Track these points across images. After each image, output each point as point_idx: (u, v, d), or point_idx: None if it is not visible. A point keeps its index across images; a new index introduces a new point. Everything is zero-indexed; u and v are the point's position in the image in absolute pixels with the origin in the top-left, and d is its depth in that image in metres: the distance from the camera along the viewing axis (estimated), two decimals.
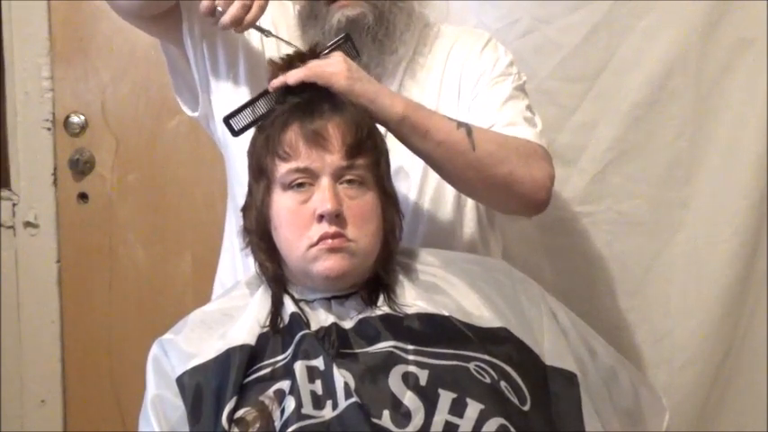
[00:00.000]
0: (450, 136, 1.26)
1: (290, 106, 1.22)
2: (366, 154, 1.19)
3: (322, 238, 1.15)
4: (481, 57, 1.45)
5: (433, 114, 1.29)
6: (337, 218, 1.15)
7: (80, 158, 2.18)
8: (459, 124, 1.28)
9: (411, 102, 1.28)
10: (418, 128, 1.25)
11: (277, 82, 1.24)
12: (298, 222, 1.17)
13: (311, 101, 1.21)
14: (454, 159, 1.27)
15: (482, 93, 1.42)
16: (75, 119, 2.18)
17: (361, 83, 1.23)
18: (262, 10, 1.27)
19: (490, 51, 1.46)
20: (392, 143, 1.28)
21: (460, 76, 1.44)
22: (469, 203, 1.45)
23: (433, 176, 1.38)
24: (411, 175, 1.41)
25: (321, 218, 1.15)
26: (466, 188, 1.36)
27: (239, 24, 1.26)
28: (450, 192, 1.43)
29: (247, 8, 1.25)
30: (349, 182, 1.18)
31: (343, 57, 1.25)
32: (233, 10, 1.25)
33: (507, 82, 1.43)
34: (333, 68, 1.22)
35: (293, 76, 1.22)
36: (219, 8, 1.26)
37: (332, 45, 1.29)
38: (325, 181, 1.16)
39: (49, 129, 2.17)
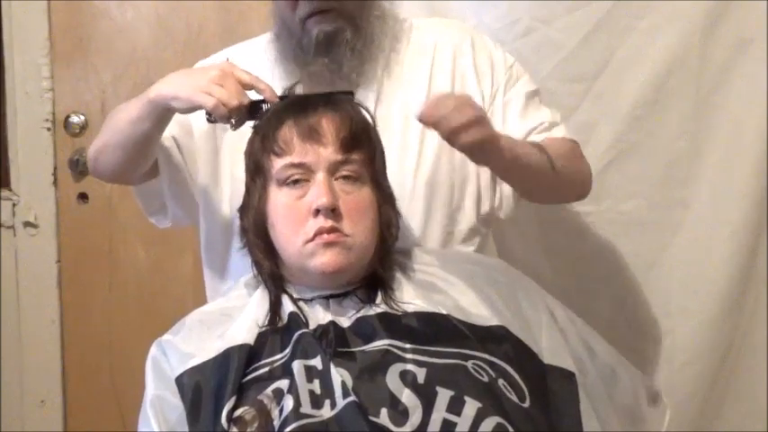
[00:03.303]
0: (534, 159, 1.30)
1: (285, 104, 1.22)
2: (361, 149, 1.20)
3: (318, 233, 1.15)
4: (475, 57, 1.45)
5: (517, 142, 1.30)
6: (333, 212, 1.15)
7: (80, 158, 2.18)
8: (540, 149, 1.31)
9: (502, 135, 1.26)
10: (523, 163, 1.27)
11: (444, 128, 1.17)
12: (294, 218, 1.17)
13: (305, 98, 1.22)
14: (542, 181, 1.34)
15: (497, 102, 1.43)
16: (75, 119, 2.18)
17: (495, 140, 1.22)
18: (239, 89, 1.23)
19: (480, 47, 1.47)
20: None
21: (453, 72, 1.45)
22: (468, 195, 1.46)
23: (426, 164, 1.39)
24: (405, 162, 1.41)
25: (317, 212, 1.15)
26: (539, 198, 1.47)
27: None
28: (444, 182, 1.43)
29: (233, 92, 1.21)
30: (345, 178, 1.18)
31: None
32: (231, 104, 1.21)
33: (520, 85, 1.45)
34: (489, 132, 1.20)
35: (467, 138, 1.16)
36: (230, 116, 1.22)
37: (332, 93, 1.27)
38: (320, 176, 1.17)
39: (49, 129, 2.17)
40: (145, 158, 1.38)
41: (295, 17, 1.38)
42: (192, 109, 1.24)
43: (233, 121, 1.23)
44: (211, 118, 1.25)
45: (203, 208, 1.47)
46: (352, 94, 1.29)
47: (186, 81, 1.24)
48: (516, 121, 1.42)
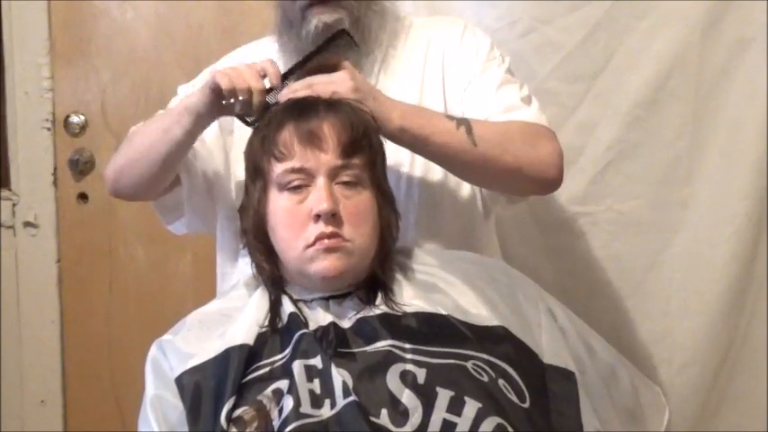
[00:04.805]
0: (450, 138, 1.28)
1: (286, 106, 1.22)
2: (361, 153, 1.19)
3: (318, 238, 1.15)
4: (462, 44, 1.47)
5: (432, 117, 1.30)
6: (333, 217, 1.15)
7: (80, 158, 2.18)
8: (459, 123, 1.29)
9: (408, 109, 1.29)
10: (419, 137, 1.27)
11: (284, 96, 1.25)
12: (294, 222, 1.17)
13: (307, 101, 1.22)
14: (458, 158, 1.29)
15: (473, 83, 1.43)
16: (75, 119, 2.18)
17: (366, 99, 1.24)
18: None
19: (469, 37, 1.48)
20: None
21: (443, 64, 1.45)
22: (464, 190, 1.46)
23: (421, 158, 1.39)
24: (400, 157, 1.41)
25: (317, 218, 1.15)
26: (475, 181, 1.39)
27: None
28: (439, 177, 1.43)
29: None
30: (345, 182, 1.18)
31: (350, 73, 1.26)
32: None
33: (494, 67, 1.44)
34: (338, 87, 1.23)
35: (299, 93, 1.23)
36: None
37: (329, 41, 1.30)
38: (320, 181, 1.17)
39: (48, 129, 2.17)
40: (172, 170, 1.39)
41: (295, 6, 1.39)
42: (216, 92, 1.25)
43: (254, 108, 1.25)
44: (240, 112, 1.27)
45: (220, 210, 1.48)
46: (347, 33, 1.31)
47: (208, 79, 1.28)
48: (482, 103, 1.41)
